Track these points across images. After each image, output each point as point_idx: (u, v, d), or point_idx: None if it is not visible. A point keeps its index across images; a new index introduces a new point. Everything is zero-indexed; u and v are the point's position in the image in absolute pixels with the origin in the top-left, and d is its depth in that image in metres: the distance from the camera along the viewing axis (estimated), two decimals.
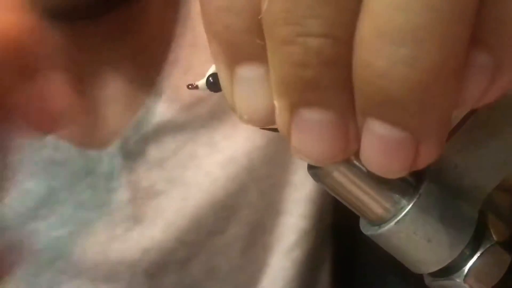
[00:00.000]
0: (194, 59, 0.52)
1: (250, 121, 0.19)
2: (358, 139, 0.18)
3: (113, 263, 0.51)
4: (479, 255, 0.22)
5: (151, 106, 0.51)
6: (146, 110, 0.51)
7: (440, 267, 0.22)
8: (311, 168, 0.22)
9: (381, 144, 0.17)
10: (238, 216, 0.54)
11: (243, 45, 0.18)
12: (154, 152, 0.51)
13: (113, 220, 0.51)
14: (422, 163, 0.18)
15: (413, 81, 0.16)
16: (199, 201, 0.52)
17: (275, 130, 0.19)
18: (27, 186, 0.49)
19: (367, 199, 0.21)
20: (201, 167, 0.52)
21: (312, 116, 0.17)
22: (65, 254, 0.51)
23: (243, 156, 0.53)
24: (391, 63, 0.16)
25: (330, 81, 0.17)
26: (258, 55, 0.18)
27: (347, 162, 0.21)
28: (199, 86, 0.23)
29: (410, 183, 0.21)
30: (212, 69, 0.22)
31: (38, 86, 0.24)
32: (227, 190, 0.53)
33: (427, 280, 0.23)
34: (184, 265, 0.53)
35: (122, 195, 0.50)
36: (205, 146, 0.52)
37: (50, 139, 0.49)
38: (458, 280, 0.22)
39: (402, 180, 0.21)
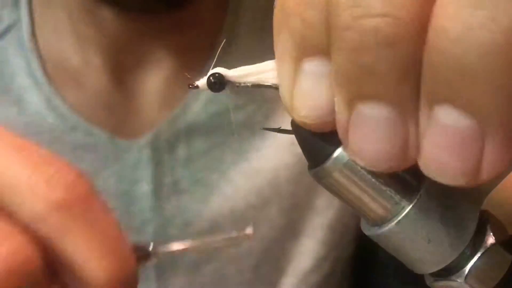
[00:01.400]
0: (234, 66, 0.53)
1: (307, 117, 0.19)
2: (417, 146, 0.17)
3: None
4: (479, 255, 0.22)
5: (188, 105, 0.51)
6: (183, 109, 0.51)
7: (440, 267, 0.22)
8: (311, 167, 0.22)
9: (446, 137, 0.16)
10: (256, 230, 0.53)
11: (316, 39, 0.18)
12: (182, 150, 0.52)
13: (132, 211, 0.51)
14: (488, 169, 0.17)
15: (489, 44, 0.15)
16: (219, 207, 0.52)
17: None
18: None
19: (368, 200, 0.21)
20: (226, 173, 0.52)
21: (370, 111, 0.17)
22: None
23: (269, 170, 0.53)
24: (467, 27, 0.15)
25: (388, 66, 0.16)
26: (328, 51, 0.18)
27: (348, 162, 0.21)
28: (199, 86, 0.23)
29: (410, 183, 0.21)
30: (212, 70, 0.22)
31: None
32: (249, 201, 0.53)
33: (428, 281, 0.23)
34: (195, 268, 0.53)
35: (145, 187, 0.51)
36: (233, 153, 0.53)
37: (82, 123, 0.50)
38: (459, 280, 0.22)
39: (402, 180, 0.21)
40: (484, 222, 0.22)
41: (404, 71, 0.16)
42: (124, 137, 0.51)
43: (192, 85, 0.24)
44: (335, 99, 0.18)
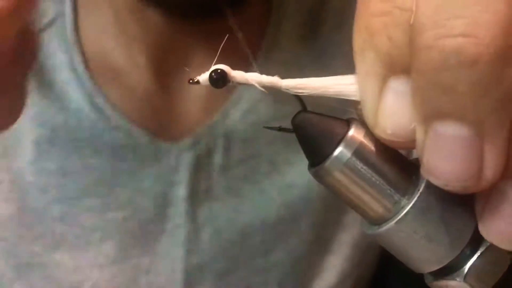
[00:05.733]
0: (275, 73, 0.53)
1: (394, 136, 0.19)
2: (492, 166, 0.17)
3: (156, 255, 0.52)
4: (479, 254, 0.22)
5: (227, 113, 0.51)
6: (223, 116, 0.51)
7: (440, 266, 0.22)
8: (311, 166, 0.22)
9: None
10: (285, 243, 0.54)
11: (403, 58, 0.18)
12: (219, 157, 0.51)
13: (166, 214, 0.51)
14: None
15: None
16: (250, 217, 0.52)
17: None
18: (91, 161, 0.50)
19: (368, 199, 0.21)
20: (260, 184, 0.52)
21: (446, 130, 0.17)
22: (111, 237, 0.51)
23: (302, 185, 0.53)
24: None
25: (467, 86, 0.16)
26: None
27: (348, 161, 0.21)
28: (200, 81, 0.23)
29: (410, 182, 0.21)
30: (215, 66, 0.22)
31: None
32: (280, 215, 0.53)
33: (428, 280, 0.23)
34: (222, 276, 0.53)
35: (181, 190, 0.51)
36: (268, 164, 0.53)
37: (124, 123, 0.50)
38: (458, 279, 0.22)
39: (402, 179, 0.21)
40: None
41: (484, 91, 0.16)
42: (164, 140, 0.51)
43: (193, 80, 0.24)
44: (414, 117, 0.18)
